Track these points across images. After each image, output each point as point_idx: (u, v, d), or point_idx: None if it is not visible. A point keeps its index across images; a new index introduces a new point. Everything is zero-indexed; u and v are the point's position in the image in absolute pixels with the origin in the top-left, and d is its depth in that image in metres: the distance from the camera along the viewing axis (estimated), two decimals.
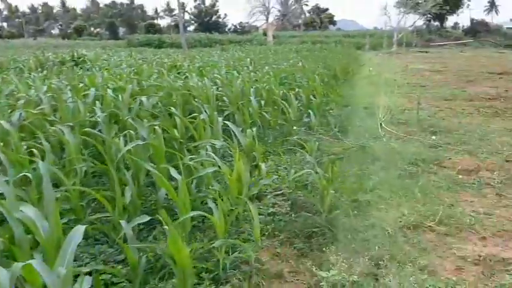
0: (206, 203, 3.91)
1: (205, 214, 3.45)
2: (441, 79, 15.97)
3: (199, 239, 3.70)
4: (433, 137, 7.12)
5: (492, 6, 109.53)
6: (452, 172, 5.47)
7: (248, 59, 15.54)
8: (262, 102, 7.58)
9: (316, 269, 3.29)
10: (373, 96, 10.47)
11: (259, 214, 4.25)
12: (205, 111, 6.00)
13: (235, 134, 5.10)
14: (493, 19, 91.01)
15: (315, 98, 8.08)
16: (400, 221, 4.00)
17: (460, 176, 5.32)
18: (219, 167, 4.10)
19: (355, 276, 3.04)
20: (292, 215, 4.29)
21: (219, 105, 7.28)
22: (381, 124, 7.25)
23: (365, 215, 4.15)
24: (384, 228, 3.83)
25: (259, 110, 7.03)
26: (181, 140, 5.22)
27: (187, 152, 4.84)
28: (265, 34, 48.38)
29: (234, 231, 3.91)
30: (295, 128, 6.44)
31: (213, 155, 4.13)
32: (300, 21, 71.88)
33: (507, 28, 59.59)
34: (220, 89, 8.05)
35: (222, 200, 3.84)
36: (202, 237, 3.76)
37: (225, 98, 7.43)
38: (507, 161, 5.92)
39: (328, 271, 3.14)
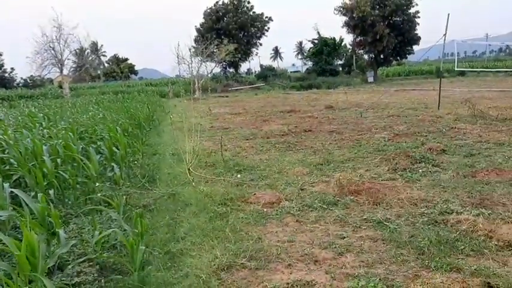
0: None
1: None
2: (241, 120, 17.23)
3: None
4: (238, 175, 7.50)
5: (276, 53, 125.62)
6: (258, 207, 5.79)
7: (41, 115, 14.22)
8: (59, 160, 6.91)
9: None
10: (180, 142, 10.60)
11: (62, 287, 3.76)
12: None
13: (25, 201, 4.47)
14: (278, 64, 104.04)
15: (118, 149, 7.74)
16: (214, 264, 3.99)
17: (265, 209, 5.67)
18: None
19: None
20: (102, 280, 3.91)
21: (5, 169, 6.36)
22: (189, 169, 7.32)
23: (179, 266, 4.03)
24: (198, 276, 3.76)
25: (56, 170, 6.37)
26: None
27: None
28: (61, 87, 45.33)
29: None
30: (98, 184, 6.00)
31: None
32: (99, 72, 69.80)
33: (291, 72, 68.70)
34: (7, 151, 7.07)
35: (13, 280, 3.26)
36: None
37: (12, 160, 6.54)
38: (301, 189, 6.57)
39: None
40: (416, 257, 4.00)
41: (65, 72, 43.82)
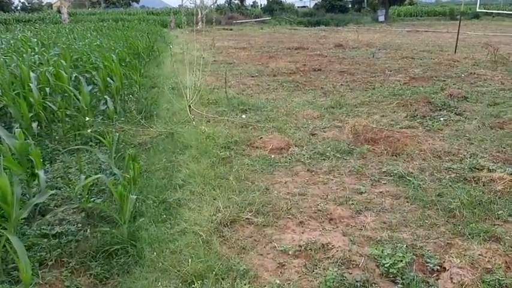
0: None
1: None
2: (246, 56, 16.33)
3: None
4: (243, 116, 6.90)
5: None
6: (264, 152, 5.25)
7: (35, 40, 13.34)
8: (49, 89, 6.28)
9: None
10: (181, 75, 9.89)
11: (42, 236, 3.30)
12: None
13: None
14: None
15: (113, 80, 7.07)
16: (216, 219, 3.49)
17: (273, 156, 5.13)
18: None
19: None
20: (88, 230, 3.44)
21: None
22: (189, 106, 6.71)
23: (175, 219, 3.53)
24: (197, 233, 3.27)
25: (43, 100, 5.77)
26: None
27: None
28: (59, 12, 43.38)
29: (2, 269, 2.90)
30: (88, 119, 5.39)
31: None
32: None
33: (298, 7, 65.75)
34: None
35: None
36: None
37: None
38: (312, 134, 6.01)
39: None
40: (446, 221, 3.50)
41: None
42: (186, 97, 6.89)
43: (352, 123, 6.01)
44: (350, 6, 57.18)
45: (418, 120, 6.58)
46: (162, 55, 15.25)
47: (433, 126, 6.25)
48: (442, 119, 6.60)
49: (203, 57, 8.91)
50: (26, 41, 13.60)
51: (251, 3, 70.66)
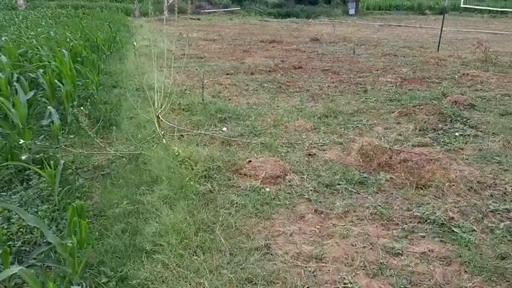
0: None
1: None
2: (218, 49, 15.03)
3: None
4: (224, 129, 5.71)
5: None
6: (256, 182, 4.11)
7: None
8: None
9: None
10: (147, 72, 8.57)
11: None
12: None
13: None
14: None
15: (62, 84, 5.73)
16: None
17: (267, 189, 4.00)
18: None
19: None
20: None
21: None
22: (158, 117, 5.46)
23: None
24: None
25: None
26: None
27: None
28: None
29: None
30: (22, 141, 4.06)
31: None
32: None
33: None
34: None
35: None
36: None
37: None
38: (310, 155, 4.91)
39: None
40: None
41: None
42: (154, 104, 5.63)
43: (360, 141, 4.94)
44: None
45: (430, 135, 5.59)
46: (126, 46, 13.78)
47: (451, 144, 5.27)
48: (457, 133, 5.64)
49: (171, 51, 7.66)
50: None
51: None
